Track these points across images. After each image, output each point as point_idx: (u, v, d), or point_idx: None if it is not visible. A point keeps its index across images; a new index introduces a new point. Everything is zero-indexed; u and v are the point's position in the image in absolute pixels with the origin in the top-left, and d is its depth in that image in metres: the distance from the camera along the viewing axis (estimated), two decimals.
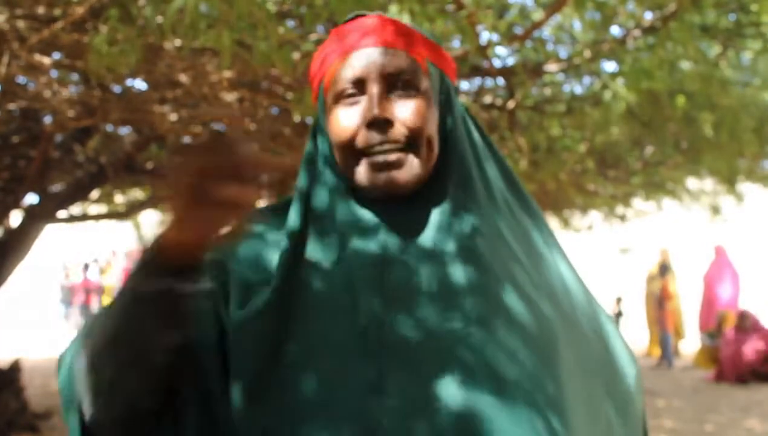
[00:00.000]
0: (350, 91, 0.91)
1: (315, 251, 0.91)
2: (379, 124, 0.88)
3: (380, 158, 0.88)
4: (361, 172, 0.90)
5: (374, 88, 0.90)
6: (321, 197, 0.94)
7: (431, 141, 0.91)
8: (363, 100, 0.90)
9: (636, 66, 3.88)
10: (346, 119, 0.91)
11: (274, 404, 0.83)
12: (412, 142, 0.89)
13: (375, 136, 0.88)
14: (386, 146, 0.88)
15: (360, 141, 0.89)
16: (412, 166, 0.89)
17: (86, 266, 12.47)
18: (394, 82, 0.90)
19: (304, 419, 0.81)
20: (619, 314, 12.60)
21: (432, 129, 0.92)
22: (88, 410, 0.81)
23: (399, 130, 0.88)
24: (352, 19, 0.96)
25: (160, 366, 0.81)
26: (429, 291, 0.87)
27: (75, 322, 12.77)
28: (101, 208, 8.58)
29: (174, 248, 0.78)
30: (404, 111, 0.89)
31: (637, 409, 0.99)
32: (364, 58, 0.91)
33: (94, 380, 0.81)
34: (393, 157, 0.88)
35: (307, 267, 0.90)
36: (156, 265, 0.80)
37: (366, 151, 0.89)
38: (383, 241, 0.90)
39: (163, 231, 0.79)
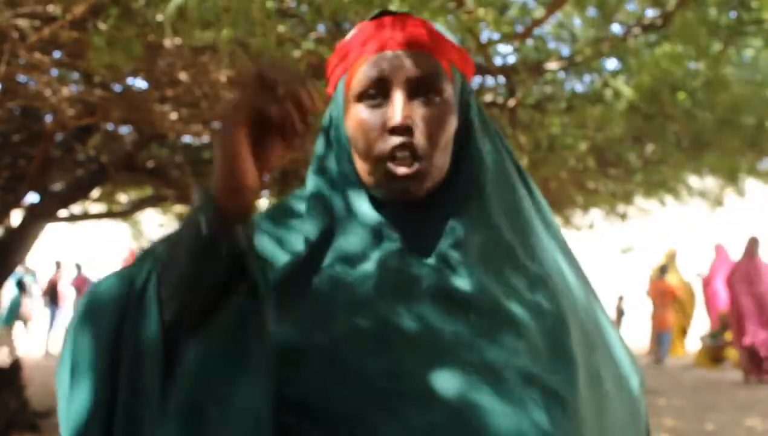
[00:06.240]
0: (373, 91, 0.92)
1: (335, 249, 0.92)
2: (400, 131, 0.89)
3: (399, 170, 0.89)
4: (378, 177, 0.91)
5: (398, 94, 0.90)
6: (338, 194, 0.95)
7: (448, 147, 0.93)
8: (385, 103, 0.91)
9: (641, 61, 3.87)
10: (368, 122, 0.91)
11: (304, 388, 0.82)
12: (430, 150, 0.90)
13: (395, 141, 0.89)
14: (405, 153, 0.89)
15: (380, 147, 0.90)
16: (426, 178, 0.90)
17: (78, 266, 12.36)
18: (418, 87, 0.91)
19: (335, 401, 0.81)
20: (621, 313, 12.61)
21: (450, 135, 0.93)
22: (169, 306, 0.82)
23: (418, 139, 0.90)
24: (380, 15, 0.96)
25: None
26: (437, 295, 0.87)
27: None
28: (101, 208, 8.58)
29: (230, 193, 0.82)
30: (425, 119, 0.90)
31: (641, 411, 1.00)
32: (389, 60, 0.92)
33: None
34: (410, 170, 0.89)
35: (328, 266, 0.91)
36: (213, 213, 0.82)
37: (384, 156, 0.90)
38: (394, 242, 0.91)
39: (221, 175, 0.82)
